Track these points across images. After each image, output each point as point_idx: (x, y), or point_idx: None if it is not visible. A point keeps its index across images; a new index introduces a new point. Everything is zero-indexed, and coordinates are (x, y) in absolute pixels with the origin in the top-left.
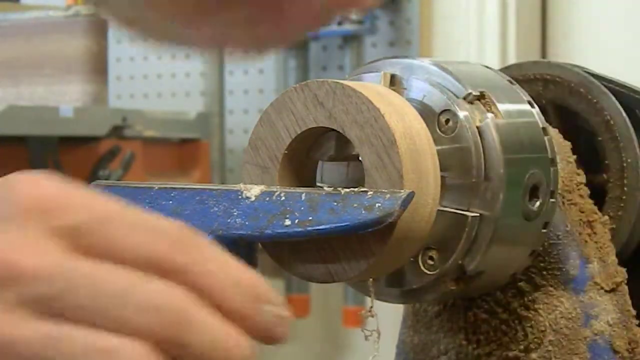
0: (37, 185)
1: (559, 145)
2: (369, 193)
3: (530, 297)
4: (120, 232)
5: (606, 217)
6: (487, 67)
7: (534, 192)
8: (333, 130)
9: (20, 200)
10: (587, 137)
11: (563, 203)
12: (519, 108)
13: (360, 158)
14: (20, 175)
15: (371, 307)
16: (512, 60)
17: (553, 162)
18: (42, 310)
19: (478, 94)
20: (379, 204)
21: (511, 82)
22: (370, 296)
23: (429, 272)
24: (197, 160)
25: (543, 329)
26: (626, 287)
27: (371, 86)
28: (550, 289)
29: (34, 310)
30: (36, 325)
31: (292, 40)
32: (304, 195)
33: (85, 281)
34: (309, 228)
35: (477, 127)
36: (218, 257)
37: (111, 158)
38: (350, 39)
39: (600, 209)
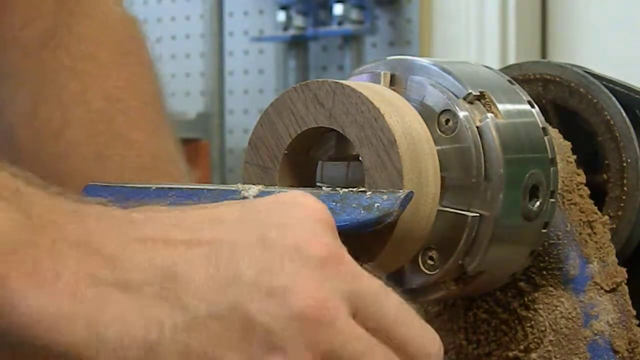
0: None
1: (559, 145)
2: (367, 193)
3: (530, 297)
4: (391, 312)
5: (606, 217)
6: (487, 67)
7: (534, 192)
8: (333, 130)
9: (315, 252)
10: (587, 137)
11: (563, 203)
12: (519, 108)
13: (360, 158)
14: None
15: None
16: (512, 60)
17: (553, 162)
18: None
19: (478, 94)
20: (378, 204)
21: (511, 82)
22: None
23: (429, 272)
24: (197, 160)
25: (543, 329)
26: (626, 287)
27: (371, 86)
28: (550, 289)
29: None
30: None
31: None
32: None
33: (361, 348)
34: None
35: (477, 127)
36: None
37: None
38: (350, 39)
39: (600, 209)
